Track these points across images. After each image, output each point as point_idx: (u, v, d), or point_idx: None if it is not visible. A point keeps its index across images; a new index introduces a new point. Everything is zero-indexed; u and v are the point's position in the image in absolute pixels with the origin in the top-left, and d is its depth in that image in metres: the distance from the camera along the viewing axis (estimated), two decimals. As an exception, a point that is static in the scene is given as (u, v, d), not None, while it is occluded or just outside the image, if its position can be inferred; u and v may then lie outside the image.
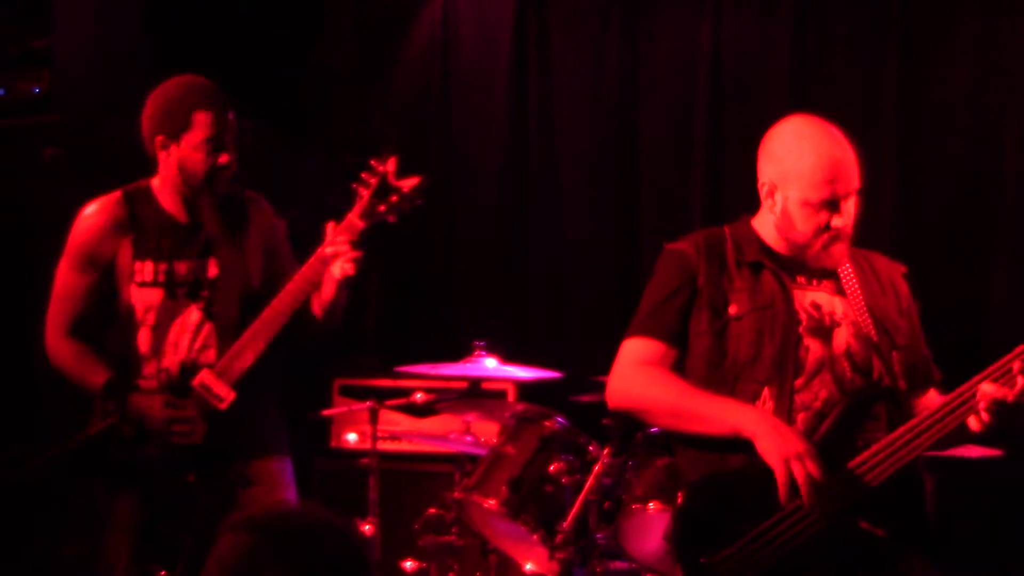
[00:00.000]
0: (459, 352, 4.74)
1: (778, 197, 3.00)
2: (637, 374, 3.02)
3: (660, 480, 4.05)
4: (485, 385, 4.95)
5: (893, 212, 5.10)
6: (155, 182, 3.55)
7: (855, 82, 5.18)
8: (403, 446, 5.05)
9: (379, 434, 4.67)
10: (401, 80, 5.87)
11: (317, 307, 3.48)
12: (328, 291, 3.40)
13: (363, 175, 3.34)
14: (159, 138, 3.49)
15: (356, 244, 3.32)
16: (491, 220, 5.75)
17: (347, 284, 3.37)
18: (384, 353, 5.39)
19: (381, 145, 3.43)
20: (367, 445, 4.67)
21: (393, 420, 4.95)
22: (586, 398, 4.44)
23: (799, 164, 2.96)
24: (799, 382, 2.93)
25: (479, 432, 4.69)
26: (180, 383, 3.45)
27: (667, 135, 5.46)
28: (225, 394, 3.41)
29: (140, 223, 3.53)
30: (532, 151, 5.69)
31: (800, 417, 2.91)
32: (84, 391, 3.51)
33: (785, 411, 2.90)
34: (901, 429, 2.80)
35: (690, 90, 5.41)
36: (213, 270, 3.50)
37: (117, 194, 3.59)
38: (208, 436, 3.40)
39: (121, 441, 3.40)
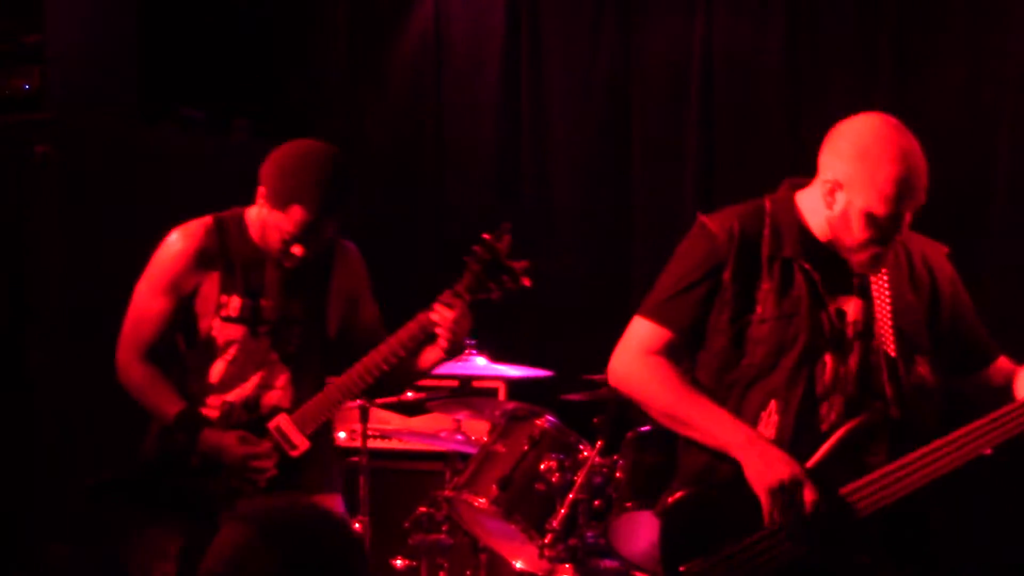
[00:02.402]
0: (450, 350, 4.76)
1: (840, 197, 2.86)
2: (641, 364, 2.95)
3: (650, 479, 4.06)
4: (475, 383, 4.96)
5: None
6: (251, 213, 3.49)
7: (847, 81, 5.18)
8: (393, 444, 5.04)
9: (369, 432, 4.67)
10: (393, 78, 5.87)
11: (407, 376, 3.50)
12: (428, 360, 3.44)
13: (475, 248, 3.33)
14: (263, 190, 3.40)
15: (460, 318, 3.34)
16: (483, 218, 5.74)
17: (449, 356, 3.40)
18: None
19: (493, 226, 3.41)
20: (357, 443, 4.66)
21: (383, 418, 4.94)
22: (577, 397, 4.45)
23: (872, 175, 2.81)
24: (809, 401, 2.88)
25: (469, 430, 4.70)
26: (253, 422, 3.44)
27: (659, 133, 5.46)
28: (300, 443, 3.41)
29: (229, 256, 3.49)
30: (524, 149, 5.69)
31: (804, 438, 2.86)
32: (154, 416, 3.48)
33: (789, 428, 2.87)
34: (902, 460, 2.79)
35: (682, 88, 5.41)
36: (295, 311, 3.49)
37: (208, 221, 3.52)
38: (273, 480, 3.39)
39: (186, 471, 3.39)
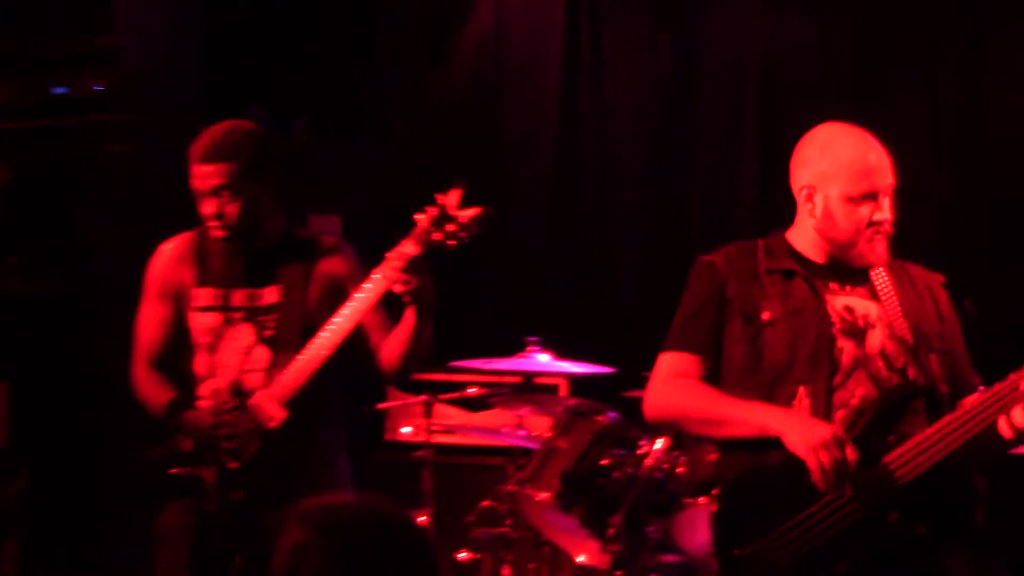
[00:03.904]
0: (512, 347, 4.81)
1: (818, 199, 3.06)
2: (670, 387, 3.16)
3: (711, 475, 4.08)
4: (538, 380, 5.02)
5: (947, 215, 5.09)
6: None
7: (909, 84, 5.17)
8: (456, 439, 5.12)
9: (433, 427, 4.76)
10: (455, 77, 5.93)
11: (395, 348, 3.51)
12: (407, 321, 3.45)
13: (426, 208, 3.38)
14: None
15: (406, 269, 3.34)
16: (544, 216, 5.78)
17: (419, 310, 3.41)
18: (438, 347, 5.47)
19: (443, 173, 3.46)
20: (422, 438, 4.76)
21: (447, 414, 5.02)
22: (637, 393, 4.47)
23: (836, 161, 3.04)
24: (835, 381, 2.98)
25: (531, 426, 4.75)
26: (239, 404, 3.51)
27: (718, 132, 5.50)
28: (275, 413, 3.46)
29: (204, 254, 3.65)
30: (583, 148, 5.74)
31: (838, 415, 2.96)
32: (155, 414, 3.61)
33: (822, 409, 2.96)
34: (937, 425, 2.84)
35: (741, 89, 5.45)
36: (271, 297, 3.60)
37: (192, 231, 3.70)
38: (259, 455, 3.46)
39: (180, 457, 3.49)
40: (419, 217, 3.38)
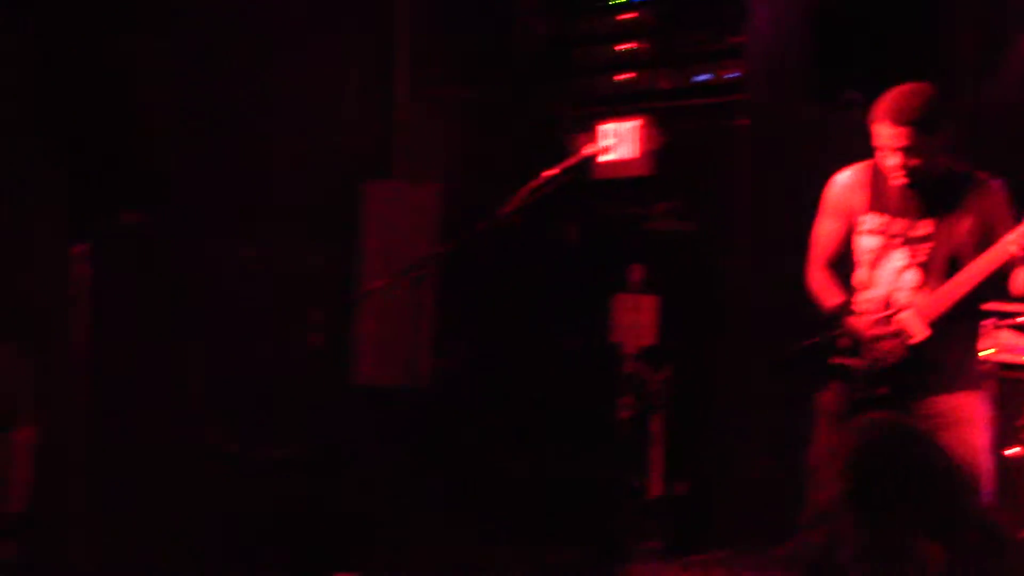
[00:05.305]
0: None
1: None
2: None
3: None
4: None
5: None
6: None
7: None
8: (1014, 357, 5.25)
9: (995, 348, 5.10)
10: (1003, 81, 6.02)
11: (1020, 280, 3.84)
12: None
13: None
14: None
15: None
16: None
17: None
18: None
19: None
20: (987, 355, 4.90)
21: (1006, 336, 5.23)
22: None
23: None
24: None
25: None
26: (886, 316, 3.92)
27: None
28: (917, 331, 3.85)
29: (877, 183, 3.98)
30: None
31: None
32: (822, 310, 4.10)
33: None
34: None
35: None
36: (927, 228, 3.90)
37: (870, 161, 4.00)
38: (903, 361, 3.87)
39: (838, 349, 3.97)
40: None
